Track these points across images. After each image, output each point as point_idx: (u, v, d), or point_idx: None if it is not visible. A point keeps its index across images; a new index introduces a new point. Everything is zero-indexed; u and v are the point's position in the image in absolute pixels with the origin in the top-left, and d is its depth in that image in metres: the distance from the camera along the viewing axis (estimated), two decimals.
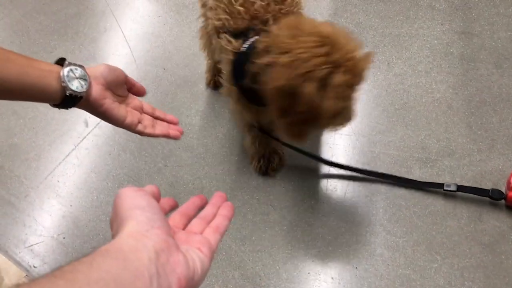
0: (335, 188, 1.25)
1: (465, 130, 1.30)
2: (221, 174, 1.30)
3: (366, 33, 1.55)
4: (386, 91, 1.41)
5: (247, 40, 0.98)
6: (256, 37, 0.96)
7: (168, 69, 1.55)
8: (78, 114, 1.43)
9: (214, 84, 1.46)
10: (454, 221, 1.16)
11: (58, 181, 1.32)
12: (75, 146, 1.39)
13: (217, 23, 1.03)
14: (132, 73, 1.51)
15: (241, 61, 0.97)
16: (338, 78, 0.83)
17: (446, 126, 1.32)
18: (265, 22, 0.99)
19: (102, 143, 1.39)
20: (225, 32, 1.02)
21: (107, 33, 1.66)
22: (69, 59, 0.68)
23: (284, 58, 0.84)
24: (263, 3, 0.99)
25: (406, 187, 1.22)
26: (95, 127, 1.41)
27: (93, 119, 1.40)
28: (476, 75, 1.41)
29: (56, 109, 0.69)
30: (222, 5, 1.01)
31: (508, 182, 1.16)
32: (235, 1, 0.99)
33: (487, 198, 1.17)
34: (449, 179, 1.22)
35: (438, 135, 1.30)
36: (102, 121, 0.73)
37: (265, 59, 0.88)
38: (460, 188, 1.18)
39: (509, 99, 1.34)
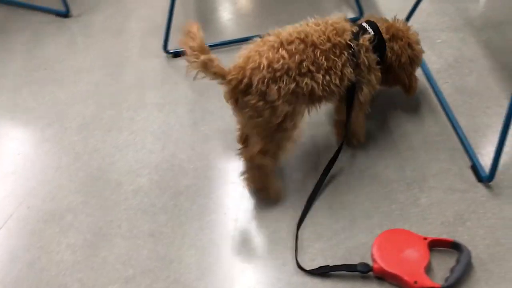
0: None
1: (327, 211, 1.39)
2: None
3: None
4: None
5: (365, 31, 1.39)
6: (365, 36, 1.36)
7: (32, 206, 1.49)
8: None
9: None
10: None
11: None
12: None
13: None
14: None
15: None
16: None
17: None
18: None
19: None
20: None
21: None
22: None
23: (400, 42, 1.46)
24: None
25: None
26: None
27: None
28: (327, 159, 1.53)
29: None
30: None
31: (372, 254, 1.25)
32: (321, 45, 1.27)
33: (358, 273, 1.24)
34: (323, 262, 1.28)
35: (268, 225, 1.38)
36: None
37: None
38: (333, 268, 1.24)
39: (361, 177, 1.47)
